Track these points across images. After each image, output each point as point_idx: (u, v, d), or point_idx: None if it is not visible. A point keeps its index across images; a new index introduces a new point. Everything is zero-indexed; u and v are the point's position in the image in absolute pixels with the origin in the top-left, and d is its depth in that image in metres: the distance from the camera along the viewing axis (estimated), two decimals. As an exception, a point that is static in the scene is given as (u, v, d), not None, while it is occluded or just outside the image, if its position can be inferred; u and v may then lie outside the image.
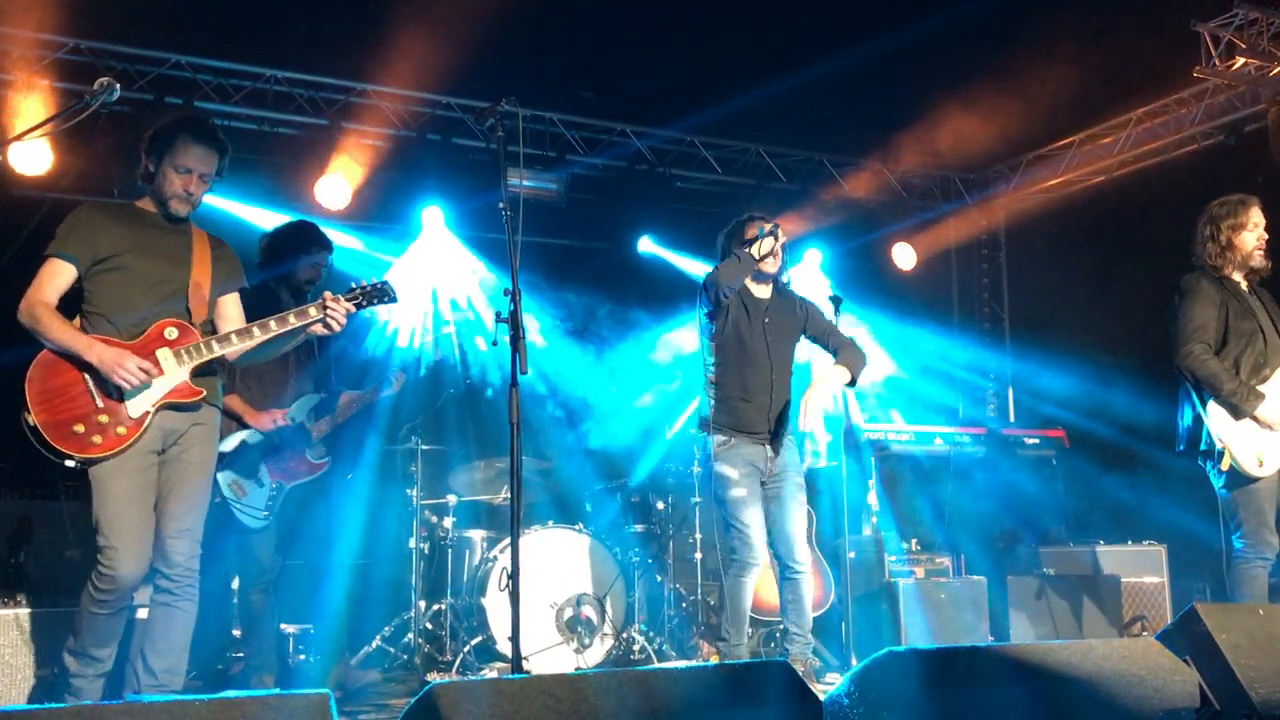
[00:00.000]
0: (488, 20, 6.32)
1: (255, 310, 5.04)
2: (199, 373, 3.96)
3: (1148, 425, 7.66)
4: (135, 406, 3.81)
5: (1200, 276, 5.00)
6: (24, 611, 4.69)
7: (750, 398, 5.07)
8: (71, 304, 3.90)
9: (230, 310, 4.17)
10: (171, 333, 3.91)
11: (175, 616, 3.89)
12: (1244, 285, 5.04)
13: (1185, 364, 4.86)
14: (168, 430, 3.90)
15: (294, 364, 5.34)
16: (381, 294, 4.22)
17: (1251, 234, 4.99)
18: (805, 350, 5.57)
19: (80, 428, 3.74)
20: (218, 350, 3.96)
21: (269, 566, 5.21)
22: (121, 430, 3.78)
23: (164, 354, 3.88)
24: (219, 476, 5.04)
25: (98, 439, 3.75)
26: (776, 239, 5.08)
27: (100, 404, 3.78)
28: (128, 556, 3.75)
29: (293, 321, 3.99)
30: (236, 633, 5.55)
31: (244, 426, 5.15)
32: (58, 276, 3.89)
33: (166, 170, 3.99)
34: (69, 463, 3.75)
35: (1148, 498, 7.56)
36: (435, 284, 8.34)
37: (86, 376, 3.79)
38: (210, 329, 4.07)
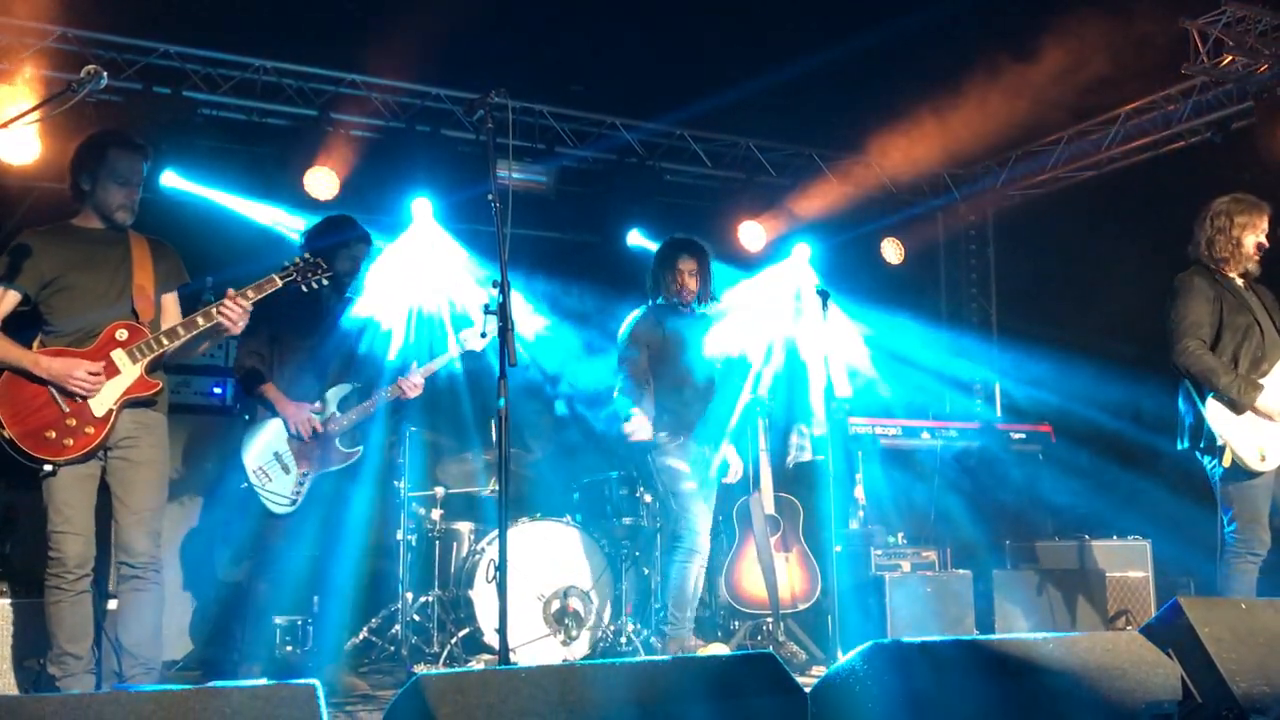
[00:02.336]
0: (477, 12, 6.31)
1: (297, 305, 5.17)
2: (152, 368, 4.18)
3: (1134, 420, 7.70)
4: (99, 406, 4.06)
5: (1193, 274, 5.01)
6: (6, 602, 4.68)
7: (686, 404, 5.58)
8: (31, 324, 4.17)
9: (170, 309, 4.38)
10: (122, 334, 4.14)
11: (143, 599, 4.13)
12: (1239, 281, 5.05)
13: (1181, 360, 4.87)
14: (118, 432, 4.12)
15: (328, 351, 5.44)
16: (312, 270, 4.40)
17: (1253, 237, 5.01)
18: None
19: (52, 434, 3.98)
20: (167, 344, 4.15)
21: (283, 555, 5.24)
22: (90, 430, 4.03)
23: (118, 355, 4.11)
24: (246, 462, 5.12)
25: (69, 441, 4.00)
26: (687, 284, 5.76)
27: (66, 409, 4.01)
28: (74, 538, 4.01)
29: (215, 315, 4.17)
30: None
31: (275, 414, 5.19)
32: (2, 302, 4.12)
33: (105, 184, 4.21)
34: (46, 467, 3.99)
35: (1133, 492, 7.59)
36: (423, 275, 8.31)
37: (50, 386, 4.02)
38: (158, 327, 4.25)
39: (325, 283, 4.49)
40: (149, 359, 4.13)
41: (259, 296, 4.26)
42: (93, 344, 4.09)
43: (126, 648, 4.08)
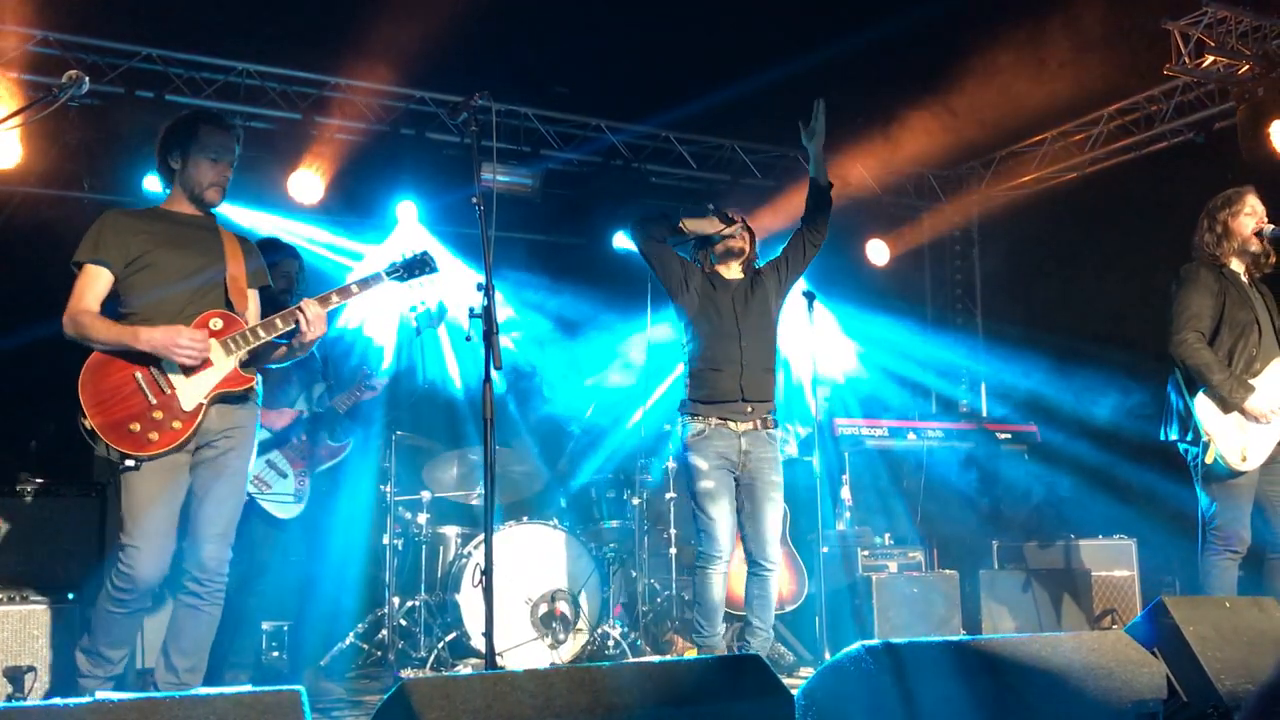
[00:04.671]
0: (461, 14, 6.30)
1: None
2: (245, 363, 3.96)
3: (1119, 419, 7.73)
4: (188, 399, 3.82)
5: (1199, 265, 5.01)
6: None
7: (720, 367, 5.07)
8: (106, 312, 3.91)
9: (252, 307, 4.15)
10: (217, 323, 3.92)
11: (201, 619, 3.91)
12: (1244, 277, 5.07)
13: (1177, 352, 4.87)
14: (208, 428, 3.89)
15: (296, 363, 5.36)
16: (419, 266, 4.22)
17: (1249, 219, 5.02)
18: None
19: (136, 426, 3.74)
20: (264, 337, 3.94)
21: (270, 566, 5.22)
22: (177, 425, 3.79)
23: (212, 344, 3.88)
24: None
25: (154, 435, 3.76)
26: (731, 222, 5.19)
27: (153, 400, 3.78)
28: (149, 558, 3.74)
29: (291, 319, 3.99)
30: None
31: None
32: (96, 282, 3.87)
33: (198, 161, 4.02)
34: (128, 462, 3.73)
35: (1118, 491, 7.63)
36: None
37: (137, 374, 3.78)
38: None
39: (431, 280, 4.31)
40: (244, 351, 3.92)
41: (359, 294, 4.11)
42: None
43: (176, 667, 3.89)
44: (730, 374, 5.06)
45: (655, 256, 5.16)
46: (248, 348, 3.92)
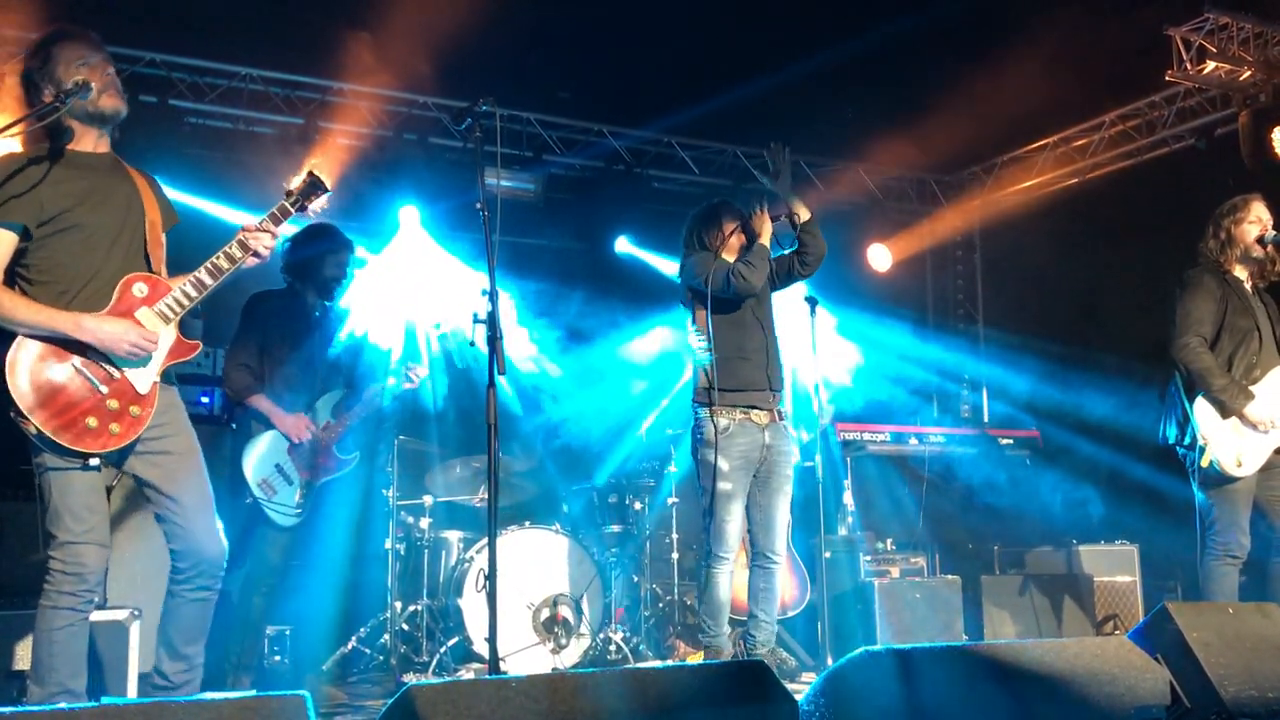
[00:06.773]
0: (465, 19, 6.31)
1: (283, 314, 5.13)
2: (182, 327, 3.62)
3: (1121, 425, 7.73)
4: (141, 381, 3.46)
5: (1202, 271, 5.05)
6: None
7: (749, 356, 5.09)
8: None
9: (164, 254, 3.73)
10: (141, 289, 3.52)
11: (210, 608, 3.66)
12: (1248, 285, 5.08)
13: (1179, 356, 4.89)
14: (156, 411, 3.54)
15: (318, 360, 5.41)
16: (311, 191, 3.87)
17: (1253, 226, 5.05)
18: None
19: (93, 421, 3.34)
20: (195, 296, 3.56)
21: (278, 568, 5.22)
22: (136, 410, 3.44)
23: (144, 314, 3.50)
24: (248, 476, 5.05)
25: (115, 427, 3.39)
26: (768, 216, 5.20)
27: (104, 389, 3.40)
28: (97, 550, 3.42)
29: (237, 255, 3.59)
30: None
31: (270, 426, 5.15)
32: None
33: (72, 75, 3.49)
34: (92, 461, 3.37)
35: (1120, 497, 7.63)
36: (411, 283, 8.31)
37: (75, 362, 3.37)
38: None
39: (324, 203, 3.97)
40: (181, 315, 3.54)
41: (279, 225, 3.71)
42: (109, 304, 3.44)
43: (187, 655, 3.63)
44: (758, 362, 5.10)
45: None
46: (184, 311, 3.55)
